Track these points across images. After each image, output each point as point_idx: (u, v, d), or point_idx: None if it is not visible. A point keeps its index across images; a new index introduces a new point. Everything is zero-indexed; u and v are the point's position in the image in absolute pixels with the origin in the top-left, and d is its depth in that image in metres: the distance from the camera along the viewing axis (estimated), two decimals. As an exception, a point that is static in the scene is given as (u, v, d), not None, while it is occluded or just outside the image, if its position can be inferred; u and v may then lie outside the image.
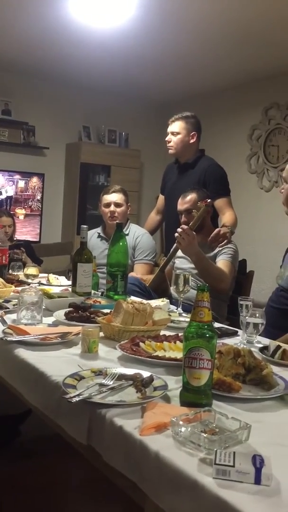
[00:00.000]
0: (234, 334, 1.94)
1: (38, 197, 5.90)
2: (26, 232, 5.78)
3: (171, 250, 2.89)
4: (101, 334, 1.72)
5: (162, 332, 1.79)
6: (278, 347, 1.62)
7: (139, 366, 1.45)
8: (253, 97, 5.51)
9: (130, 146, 6.41)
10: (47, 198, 5.97)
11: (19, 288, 2.18)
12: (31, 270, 2.66)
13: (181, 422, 1.03)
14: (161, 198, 3.55)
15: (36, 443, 2.46)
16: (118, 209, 3.19)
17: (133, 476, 1.02)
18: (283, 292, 2.36)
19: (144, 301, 1.98)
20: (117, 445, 1.07)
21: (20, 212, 5.80)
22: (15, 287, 2.42)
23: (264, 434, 1.07)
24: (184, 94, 5.95)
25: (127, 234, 3.11)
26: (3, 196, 5.72)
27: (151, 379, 1.30)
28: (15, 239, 4.19)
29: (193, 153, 3.27)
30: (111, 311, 1.86)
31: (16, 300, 2.01)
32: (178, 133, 3.23)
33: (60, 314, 1.96)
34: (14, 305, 2.09)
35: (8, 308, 2.08)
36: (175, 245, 2.75)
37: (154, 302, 2.19)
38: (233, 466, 0.88)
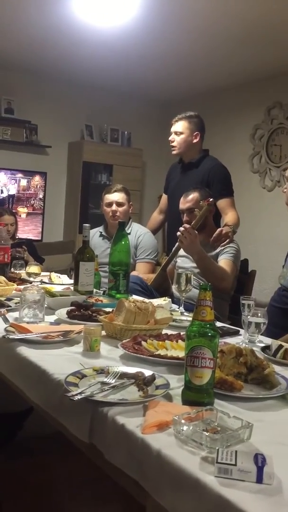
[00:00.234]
0: (236, 333, 1.94)
1: (40, 196, 5.90)
2: (28, 230, 5.78)
3: (173, 249, 2.89)
4: (103, 332, 1.72)
5: (164, 331, 1.79)
6: (280, 346, 1.62)
7: (141, 364, 1.45)
8: (256, 97, 5.50)
9: (132, 145, 6.41)
10: (49, 197, 5.97)
11: (21, 287, 2.19)
12: (33, 268, 2.66)
13: (183, 421, 1.03)
14: (164, 198, 3.54)
15: (37, 441, 2.46)
16: (120, 208, 3.19)
17: (135, 475, 1.02)
18: (286, 291, 2.36)
19: (146, 300, 1.98)
20: (119, 444, 1.07)
21: (22, 210, 5.80)
22: (17, 285, 2.44)
23: (266, 433, 1.07)
24: (186, 93, 5.95)
25: (129, 233, 3.11)
26: (5, 195, 5.73)
27: (153, 377, 1.30)
28: (17, 237, 4.20)
29: (197, 153, 3.26)
30: (113, 309, 1.87)
31: (18, 298, 2.01)
32: (181, 133, 3.22)
33: (62, 312, 1.96)
34: (16, 303, 2.10)
35: (10, 306, 2.09)
36: (177, 244, 2.75)
37: (156, 301, 2.19)
38: (235, 464, 0.88)
